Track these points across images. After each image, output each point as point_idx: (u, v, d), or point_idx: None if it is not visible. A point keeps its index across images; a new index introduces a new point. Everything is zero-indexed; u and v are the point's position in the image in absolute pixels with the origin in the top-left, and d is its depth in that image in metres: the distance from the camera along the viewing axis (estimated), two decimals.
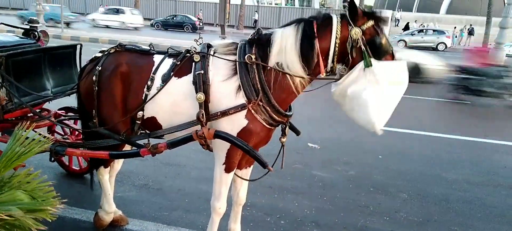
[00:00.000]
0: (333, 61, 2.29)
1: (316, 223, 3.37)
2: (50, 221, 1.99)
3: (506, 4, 14.03)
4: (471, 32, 29.67)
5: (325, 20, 2.30)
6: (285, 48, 2.29)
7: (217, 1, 14.18)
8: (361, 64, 2.22)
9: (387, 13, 31.01)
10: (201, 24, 28.86)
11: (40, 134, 2.45)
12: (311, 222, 3.38)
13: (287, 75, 2.30)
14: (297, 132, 2.73)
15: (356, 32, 2.20)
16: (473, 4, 36.41)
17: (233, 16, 30.37)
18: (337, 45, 2.24)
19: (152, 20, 29.22)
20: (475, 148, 5.87)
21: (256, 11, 31.90)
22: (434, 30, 26.79)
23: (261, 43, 2.37)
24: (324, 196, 3.89)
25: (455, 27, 29.79)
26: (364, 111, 2.26)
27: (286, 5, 44.41)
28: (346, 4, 2.29)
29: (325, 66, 2.30)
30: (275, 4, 42.29)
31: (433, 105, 8.93)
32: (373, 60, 2.20)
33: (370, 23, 2.23)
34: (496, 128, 7.17)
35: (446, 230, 3.41)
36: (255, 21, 31.70)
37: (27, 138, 2.26)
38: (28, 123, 2.69)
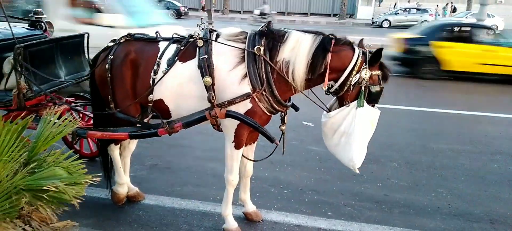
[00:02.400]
0: (340, 86, 2.49)
1: (316, 191, 3.69)
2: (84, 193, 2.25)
3: None
4: (454, 10, 30.18)
5: (345, 45, 2.51)
6: (299, 48, 2.48)
7: None
8: (354, 104, 2.47)
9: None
10: (186, 10, 28.62)
11: (66, 119, 2.68)
12: (311, 190, 3.70)
13: (290, 72, 2.50)
14: (296, 108, 2.96)
15: (366, 74, 2.42)
16: None
17: (218, 1, 30.34)
18: (351, 75, 2.44)
19: None
20: (458, 119, 6.27)
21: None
22: (417, 9, 27.07)
23: (272, 37, 2.56)
24: (321, 168, 4.20)
25: (437, 5, 30.23)
26: (348, 149, 2.53)
27: None
28: (367, 50, 2.48)
29: (329, 80, 2.50)
30: None
31: (417, 82, 9.30)
32: (365, 103, 2.45)
33: (379, 72, 2.48)
34: (478, 101, 7.59)
35: (433, 192, 3.76)
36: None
37: (55, 122, 2.48)
38: (56, 108, 2.92)
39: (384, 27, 24.62)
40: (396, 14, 26.58)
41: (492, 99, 7.83)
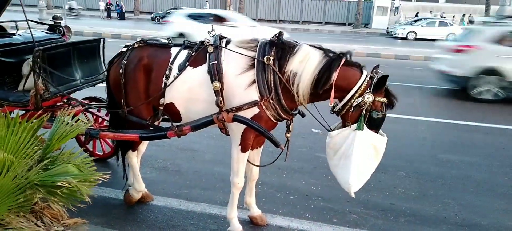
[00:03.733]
0: (343, 106, 2.51)
1: (322, 198, 3.72)
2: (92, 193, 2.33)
3: None
4: (471, 21, 29.78)
5: (355, 67, 2.53)
6: (307, 62, 2.51)
7: None
8: (354, 126, 2.48)
9: (386, 4, 30.92)
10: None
11: (78, 119, 2.79)
12: (317, 197, 3.73)
13: (296, 82, 2.53)
14: (302, 115, 3.00)
15: (369, 98, 2.43)
16: None
17: (233, 8, 30.67)
18: (354, 97, 2.46)
19: (152, 14, 29.47)
20: (469, 131, 6.20)
21: None
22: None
23: (282, 47, 2.61)
24: (328, 175, 4.18)
25: (453, 16, 29.88)
26: (346, 172, 2.54)
27: None
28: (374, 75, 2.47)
29: (334, 98, 2.52)
30: None
31: (427, 92, 9.23)
32: (365, 127, 2.46)
33: (383, 99, 2.48)
34: (489, 113, 7.48)
35: (440, 202, 3.74)
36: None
37: (68, 123, 2.59)
38: (69, 108, 3.04)
39: (398, 38, 24.02)
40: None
41: (504, 111, 7.71)
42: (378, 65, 2.60)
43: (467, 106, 7.96)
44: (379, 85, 2.44)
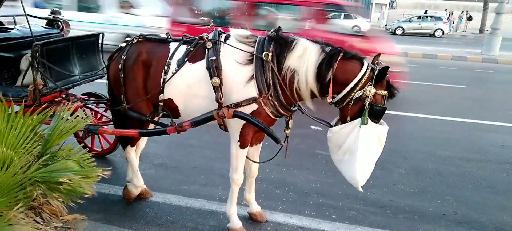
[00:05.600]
0: (342, 98, 2.45)
1: (321, 194, 3.72)
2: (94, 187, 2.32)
3: None
4: (469, 18, 29.83)
5: (354, 59, 2.47)
6: (305, 57, 2.48)
7: None
8: (357, 121, 2.42)
9: (385, 1, 30.97)
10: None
11: (78, 115, 2.78)
12: (317, 194, 3.73)
13: (295, 79, 2.52)
14: (302, 111, 2.98)
15: (370, 91, 2.37)
16: None
17: None
18: (355, 90, 2.40)
19: None
20: (468, 128, 6.22)
21: None
22: (431, 16, 26.62)
23: (280, 42, 2.58)
24: (327, 171, 4.22)
25: (452, 13, 29.91)
26: (352, 167, 2.49)
27: None
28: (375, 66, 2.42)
29: (333, 92, 2.47)
30: None
31: (426, 88, 9.25)
32: (369, 121, 2.40)
33: (384, 92, 2.41)
34: (487, 110, 7.50)
35: (439, 199, 3.75)
36: None
37: (67, 118, 2.58)
38: (70, 104, 3.02)
39: (397, 35, 24.48)
40: (410, 21, 26.18)
41: (502, 108, 7.73)
42: (379, 54, 2.54)
43: (465, 104, 7.99)
44: (380, 77, 2.38)
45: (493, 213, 3.55)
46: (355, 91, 2.41)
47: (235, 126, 2.73)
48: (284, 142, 2.76)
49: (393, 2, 32.85)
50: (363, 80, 2.40)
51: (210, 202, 3.44)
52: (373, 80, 2.37)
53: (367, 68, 2.42)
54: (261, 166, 3.19)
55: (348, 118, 2.49)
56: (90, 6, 11.67)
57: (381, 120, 2.52)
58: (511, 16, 25.58)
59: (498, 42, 14.80)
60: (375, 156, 2.54)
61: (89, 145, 4.26)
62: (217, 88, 2.62)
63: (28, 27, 3.47)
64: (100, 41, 3.86)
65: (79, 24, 9.76)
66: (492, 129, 6.18)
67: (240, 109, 2.60)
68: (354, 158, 2.47)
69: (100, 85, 3.82)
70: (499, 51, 15.12)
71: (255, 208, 3.23)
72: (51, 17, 4.14)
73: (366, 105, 2.39)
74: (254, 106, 2.59)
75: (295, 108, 2.80)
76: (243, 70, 2.60)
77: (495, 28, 14.88)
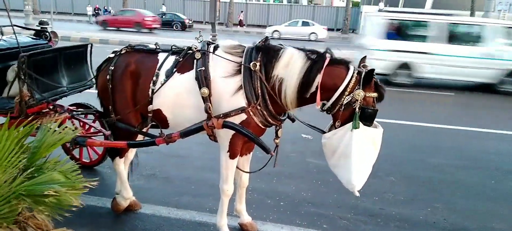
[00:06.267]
0: (332, 104, 2.45)
1: (312, 203, 3.70)
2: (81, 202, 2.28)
3: None
4: None
5: (340, 64, 2.48)
6: (291, 65, 2.48)
7: None
8: (349, 125, 2.42)
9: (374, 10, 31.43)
10: (190, 22, 28.98)
11: (66, 127, 2.74)
12: (308, 203, 3.72)
13: (283, 88, 2.52)
14: (292, 120, 2.97)
15: (359, 94, 2.36)
16: None
17: (222, 14, 30.71)
18: (344, 95, 2.40)
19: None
20: (457, 135, 6.28)
21: (242, 11, 33.00)
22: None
23: (268, 52, 2.59)
24: (318, 180, 4.22)
25: None
26: (347, 172, 2.48)
27: (274, 2, 44.79)
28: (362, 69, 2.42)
29: (321, 99, 2.48)
30: (263, 1, 42.57)
31: (416, 97, 9.34)
32: (361, 124, 2.39)
33: (374, 94, 2.41)
34: (475, 117, 7.60)
35: (429, 207, 3.77)
36: (240, 21, 32.80)
37: (55, 130, 2.54)
38: (56, 116, 2.97)
39: None
40: None
41: (492, 115, 7.84)
42: (365, 56, 2.56)
43: (455, 111, 8.08)
44: (368, 79, 2.38)
45: (482, 220, 3.57)
46: (344, 96, 2.41)
47: (225, 136, 2.71)
48: (274, 152, 2.74)
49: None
50: (351, 84, 2.40)
51: (201, 213, 3.40)
52: (361, 84, 2.38)
53: (354, 72, 2.42)
54: (251, 176, 3.17)
55: (341, 124, 2.48)
56: (465, 38, 10.06)
57: (375, 123, 2.52)
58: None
59: None
60: (371, 160, 2.53)
61: (77, 156, 4.19)
62: (206, 99, 2.61)
63: (15, 38, 3.43)
64: (88, 52, 3.83)
65: (448, 58, 8.99)
66: (482, 136, 6.25)
67: (229, 119, 2.59)
68: (348, 162, 2.45)
69: (90, 96, 3.78)
70: None
71: (246, 218, 3.20)
72: (39, 27, 4.10)
73: (357, 109, 2.39)
74: (243, 116, 2.58)
75: (285, 117, 2.79)
76: (231, 81, 2.59)
77: None
